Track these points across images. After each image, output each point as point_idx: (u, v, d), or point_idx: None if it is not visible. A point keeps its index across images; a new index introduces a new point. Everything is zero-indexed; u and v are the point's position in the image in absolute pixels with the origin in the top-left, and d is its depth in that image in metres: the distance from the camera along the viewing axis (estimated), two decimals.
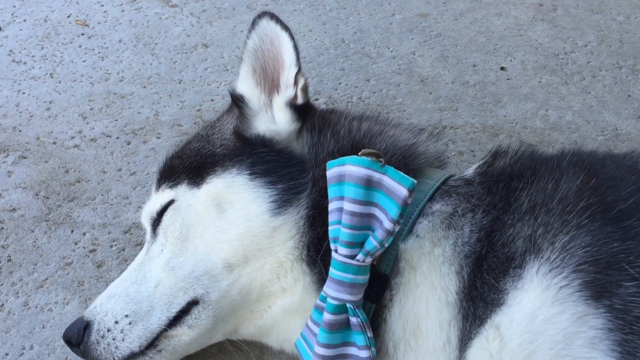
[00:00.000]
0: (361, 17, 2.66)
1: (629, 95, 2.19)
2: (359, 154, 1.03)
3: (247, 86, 1.33)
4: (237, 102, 1.32)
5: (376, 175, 1.03)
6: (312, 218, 1.16)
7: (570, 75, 2.30)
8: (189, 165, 1.27)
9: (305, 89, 1.29)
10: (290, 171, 1.20)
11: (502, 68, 2.35)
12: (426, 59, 2.39)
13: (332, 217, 1.09)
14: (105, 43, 2.41)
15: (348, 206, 1.04)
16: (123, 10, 2.63)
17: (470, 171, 1.25)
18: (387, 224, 1.01)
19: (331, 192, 1.10)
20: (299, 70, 1.29)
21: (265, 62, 1.33)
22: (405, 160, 1.21)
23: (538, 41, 2.51)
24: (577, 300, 0.88)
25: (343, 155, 1.18)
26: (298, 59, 1.29)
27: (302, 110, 1.28)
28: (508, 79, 2.29)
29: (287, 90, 1.28)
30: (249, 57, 1.33)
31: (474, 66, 2.36)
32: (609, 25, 2.62)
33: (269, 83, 1.33)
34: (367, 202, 1.04)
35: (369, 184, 1.03)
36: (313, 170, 1.20)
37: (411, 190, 1.00)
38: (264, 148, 1.23)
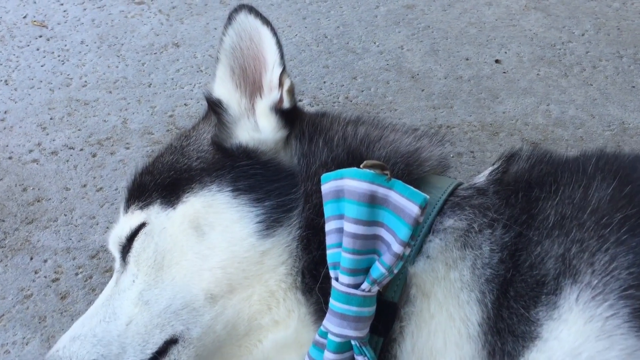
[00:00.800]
0: (343, 10, 2.54)
1: (633, 86, 2.10)
2: (361, 166, 0.90)
3: (225, 89, 1.19)
4: (215, 107, 1.19)
5: (381, 191, 0.90)
6: (306, 240, 1.03)
7: (569, 67, 2.21)
8: (161, 182, 1.13)
9: (291, 91, 1.16)
10: (278, 186, 1.07)
11: (496, 61, 2.24)
12: (415, 54, 2.28)
13: (330, 239, 0.96)
14: (65, 45, 2.25)
15: (349, 227, 0.91)
16: (85, 9, 2.47)
17: (481, 178, 1.13)
18: (396, 247, 0.89)
19: (328, 209, 0.97)
20: (284, 69, 1.17)
21: (244, 62, 1.20)
22: (409, 169, 1.09)
23: (532, 31, 2.41)
24: (627, 333, 0.77)
25: (338, 166, 1.05)
26: (282, 57, 1.17)
27: (289, 116, 1.15)
28: (504, 73, 2.18)
29: (271, 93, 1.15)
30: (226, 56, 1.20)
31: (467, 60, 2.25)
32: (605, 13, 2.54)
33: (250, 85, 1.19)
34: (372, 222, 0.91)
35: (373, 201, 0.91)
36: (305, 184, 1.07)
37: (423, 208, 0.87)
38: (247, 160, 1.10)
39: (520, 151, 1.16)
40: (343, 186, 0.94)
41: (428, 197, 0.88)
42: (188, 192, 1.09)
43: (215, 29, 2.36)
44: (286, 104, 1.15)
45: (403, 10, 2.54)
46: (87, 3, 2.50)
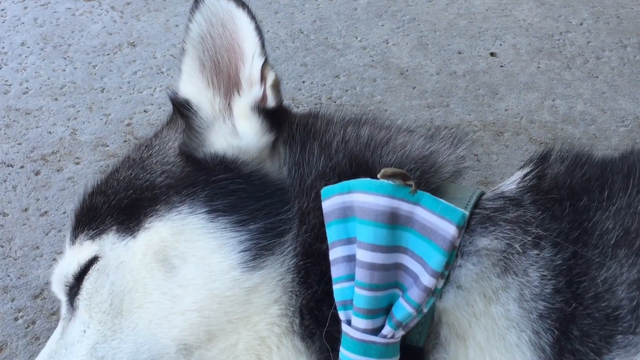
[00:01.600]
0: (319, 3, 2.37)
1: None
2: (379, 175, 0.73)
3: (194, 87, 1.01)
4: (182, 109, 1.00)
5: (405, 207, 0.73)
6: (304, 271, 0.85)
7: (571, 59, 2.08)
8: (117, 205, 0.94)
9: (276, 86, 0.99)
10: (266, 204, 0.89)
11: (492, 54, 2.11)
12: (402, 48, 2.12)
13: (337, 271, 0.78)
14: (3, 47, 2.03)
15: (364, 255, 0.74)
16: (25, 7, 2.24)
17: (510, 186, 0.97)
18: (427, 279, 0.72)
19: (332, 232, 0.80)
20: (266, 60, 0.99)
21: (217, 54, 1.02)
22: (425, 177, 0.93)
23: (527, 21, 2.29)
24: None
25: (340, 176, 0.88)
26: (263, 45, 0.99)
27: (275, 117, 0.97)
28: (501, 66, 2.04)
29: (251, 90, 0.97)
30: (194, 47, 1.02)
31: (460, 53, 2.11)
32: (601, 1, 2.43)
33: (225, 81, 1.02)
34: (393, 248, 0.74)
35: (394, 221, 0.73)
36: (299, 200, 0.89)
37: (461, 227, 0.70)
38: (225, 173, 0.92)
39: (552, 151, 1.02)
40: (352, 202, 0.77)
41: (467, 213, 0.71)
42: (152, 216, 0.90)
43: (177, 25, 2.17)
44: (270, 101, 0.97)
45: (385, 2, 2.39)
46: (28, 1, 2.28)
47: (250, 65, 0.98)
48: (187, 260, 0.86)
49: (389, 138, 0.99)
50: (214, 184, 0.90)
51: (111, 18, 2.22)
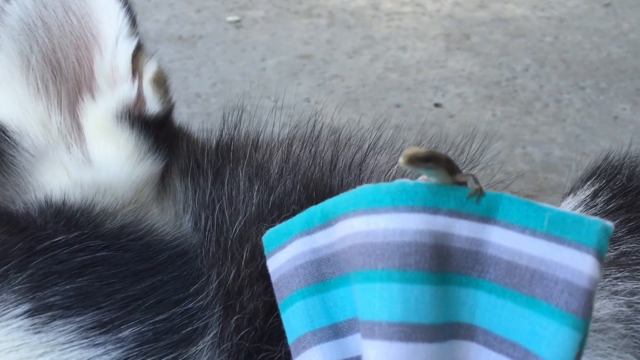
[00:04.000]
0: (218, 66, 2.08)
1: (616, 117, 1.80)
2: (400, 160, 0.34)
3: (11, 101, 0.62)
4: None
5: (463, 231, 0.35)
6: None
7: (528, 104, 1.88)
8: None
9: (161, 82, 0.62)
10: (153, 285, 0.50)
11: (436, 105, 1.86)
12: (328, 105, 1.84)
13: None
14: None
15: (388, 356, 0.34)
16: None
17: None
18: None
19: (294, 319, 0.42)
20: (141, 46, 0.64)
21: (56, 50, 0.65)
22: None
23: (467, 71, 2.09)
24: None
25: (293, 214, 0.50)
26: (134, 24, 0.64)
27: (163, 132, 0.59)
28: (451, 117, 1.79)
29: (115, 89, 0.60)
30: (13, 39, 0.65)
31: (398, 106, 1.85)
32: (540, 47, 2.31)
33: (72, 87, 0.63)
34: (447, 328, 0.35)
35: (441, 265, 0.35)
36: (218, 268, 0.50)
37: (603, 259, 0.33)
38: (67, 232, 0.51)
39: (611, 160, 0.73)
40: (335, 244, 0.38)
41: (611, 225, 0.34)
42: None
43: None
44: (152, 105, 0.59)
45: (298, 60, 2.13)
46: None
47: (113, 53, 0.61)
48: None
49: (364, 156, 0.64)
50: (45, 256, 0.48)
51: None
